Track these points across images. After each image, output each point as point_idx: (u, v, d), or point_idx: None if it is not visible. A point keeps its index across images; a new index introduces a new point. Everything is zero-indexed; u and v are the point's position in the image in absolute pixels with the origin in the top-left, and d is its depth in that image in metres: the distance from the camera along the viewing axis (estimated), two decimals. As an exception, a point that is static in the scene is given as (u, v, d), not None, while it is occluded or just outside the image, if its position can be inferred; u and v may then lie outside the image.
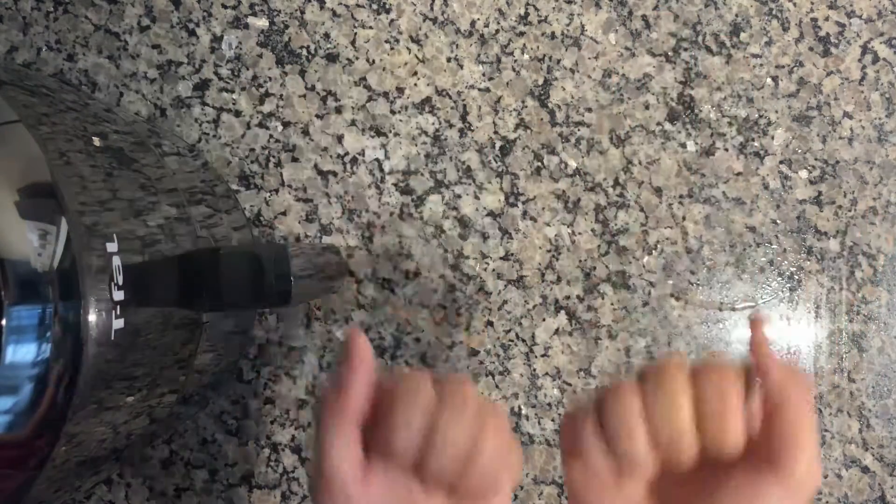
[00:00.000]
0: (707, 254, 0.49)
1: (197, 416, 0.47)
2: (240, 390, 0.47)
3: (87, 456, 0.31)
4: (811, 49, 0.49)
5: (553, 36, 0.48)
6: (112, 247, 0.29)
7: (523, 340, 0.48)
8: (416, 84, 0.48)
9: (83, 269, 0.27)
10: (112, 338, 0.28)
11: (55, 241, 0.26)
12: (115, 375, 0.30)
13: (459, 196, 0.48)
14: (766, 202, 0.49)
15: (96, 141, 0.32)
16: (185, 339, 0.36)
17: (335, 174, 0.48)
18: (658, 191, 0.49)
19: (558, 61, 0.48)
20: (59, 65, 0.47)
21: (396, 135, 0.48)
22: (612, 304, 0.48)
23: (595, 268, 0.48)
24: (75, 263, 0.26)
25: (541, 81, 0.48)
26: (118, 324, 0.29)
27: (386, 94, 0.48)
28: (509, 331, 0.48)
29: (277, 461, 0.48)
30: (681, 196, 0.49)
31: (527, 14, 0.48)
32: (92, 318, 0.27)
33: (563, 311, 0.48)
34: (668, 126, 0.49)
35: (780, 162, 0.49)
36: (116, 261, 0.29)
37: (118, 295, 0.28)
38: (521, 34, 0.48)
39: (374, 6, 0.48)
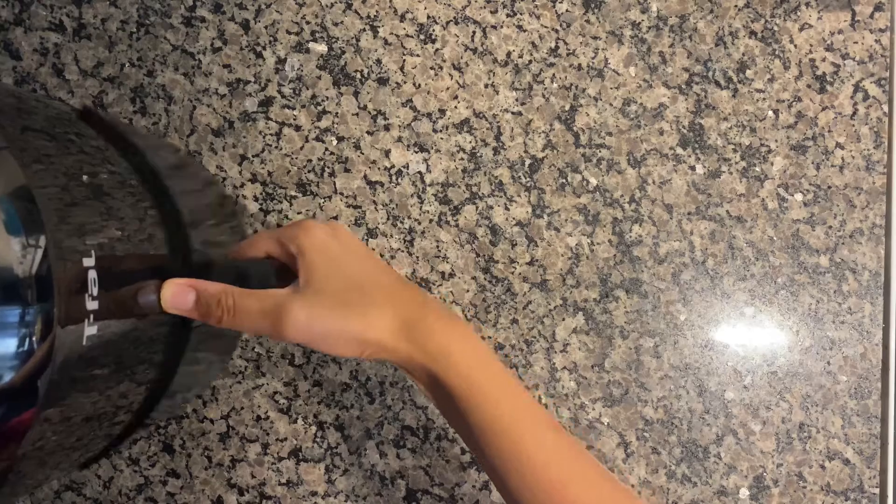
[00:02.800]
0: (711, 265, 0.53)
1: (252, 395, 0.53)
2: (291, 374, 0.53)
3: (66, 445, 0.34)
4: (809, 86, 0.54)
5: (579, 67, 0.54)
6: (88, 261, 0.31)
7: (544, 337, 0.53)
8: (456, 106, 0.54)
9: (59, 279, 0.29)
10: (84, 343, 0.30)
11: (34, 254, 0.28)
12: (92, 375, 0.32)
13: (491, 207, 0.54)
14: (765, 221, 0.53)
15: (85, 178, 0.34)
16: (173, 341, 0.38)
17: (382, 184, 0.53)
18: (669, 208, 0.54)
19: (583, 90, 0.54)
20: (139, 79, 0.53)
21: (437, 151, 0.53)
22: (625, 307, 0.53)
23: (611, 274, 0.53)
24: (51, 274, 0.28)
25: (567, 107, 0.54)
26: (91, 331, 0.30)
27: (429, 115, 0.54)
28: (532, 328, 0.53)
29: (323, 438, 0.53)
30: (689, 213, 0.53)
31: (557, 47, 0.54)
32: (66, 322, 0.29)
33: (580, 312, 0.53)
34: (679, 150, 0.54)
35: (778, 185, 0.53)
36: (92, 274, 0.31)
37: (92, 304, 0.30)
38: (551, 65, 0.54)
39: (422, 36, 0.54)
